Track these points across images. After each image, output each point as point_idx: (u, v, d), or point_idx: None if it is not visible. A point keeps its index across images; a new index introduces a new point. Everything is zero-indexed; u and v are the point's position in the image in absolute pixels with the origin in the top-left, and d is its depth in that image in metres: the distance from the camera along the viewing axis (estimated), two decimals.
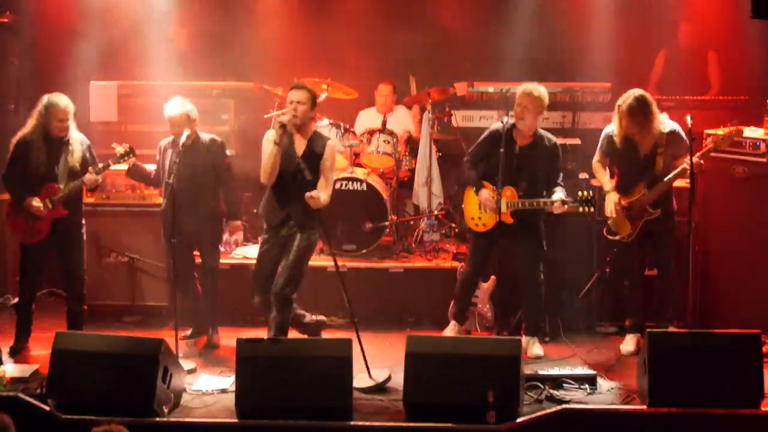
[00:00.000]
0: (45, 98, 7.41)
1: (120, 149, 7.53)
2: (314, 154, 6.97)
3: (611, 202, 7.40)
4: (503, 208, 7.31)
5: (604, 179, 7.56)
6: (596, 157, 7.61)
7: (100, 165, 7.49)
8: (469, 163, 7.60)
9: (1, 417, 4.79)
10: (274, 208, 7.07)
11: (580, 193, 7.29)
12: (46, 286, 8.28)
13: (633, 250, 7.53)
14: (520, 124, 7.37)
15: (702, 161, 7.13)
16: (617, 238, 7.48)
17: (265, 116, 9.27)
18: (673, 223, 7.47)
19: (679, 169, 7.16)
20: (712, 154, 7.33)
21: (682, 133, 7.27)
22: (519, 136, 7.41)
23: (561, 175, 7.48)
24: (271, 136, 6.95)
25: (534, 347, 7.53)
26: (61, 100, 7.40)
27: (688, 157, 6.97)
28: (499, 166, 7.20)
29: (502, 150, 7.18)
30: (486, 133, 7.55)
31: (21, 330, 7.55)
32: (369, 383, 6.85)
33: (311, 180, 6.88)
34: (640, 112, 7.19)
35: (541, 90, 7.35)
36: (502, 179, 7.22)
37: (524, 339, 7.49)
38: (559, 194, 7.28)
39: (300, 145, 7.01)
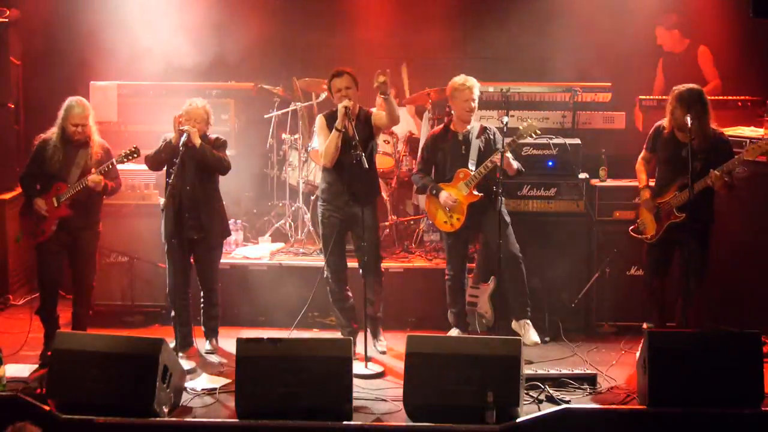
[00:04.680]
0: (66, 101, 7.42)
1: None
2: (363, 122, 7.43)
3: (643, 197, 7.35)
4: (464, 191, 7.52)
5: (641, 176, 7.47)
6: (642, 153, 7.51)
7: (104, 165, 7.44)
8: (420, 173, 7.80)
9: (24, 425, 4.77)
10: (337, 188, 7.44)
11: (521, 126, 7.49)
12: None
13: (659, 253, 7.36)
14: (469, 116, 7.63)
15: (724, 175, 6.96)
16: (642, 237, 7.39)
17: (265, 116, 9.30)
18: (702, 229, 7.12)
19: (708, 177, 6.95)
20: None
21: (729, 146, 7.21)
22: (458, 126, 7.68)
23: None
24: (323, 121, 7.47)
25: (529, 332, 7.50)
26: (77, 106, 7.38)
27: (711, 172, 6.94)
28: (445, 160, 7.65)
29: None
30: (425, 139, 7.94)
31: (48, 340, 7.38)
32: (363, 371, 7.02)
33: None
34: (697, 102, 7.08)
35: (470, 80, 7.63)
36: (452, 169, 7.61)
37: (516, 325, 7.52)
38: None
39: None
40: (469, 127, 7.66)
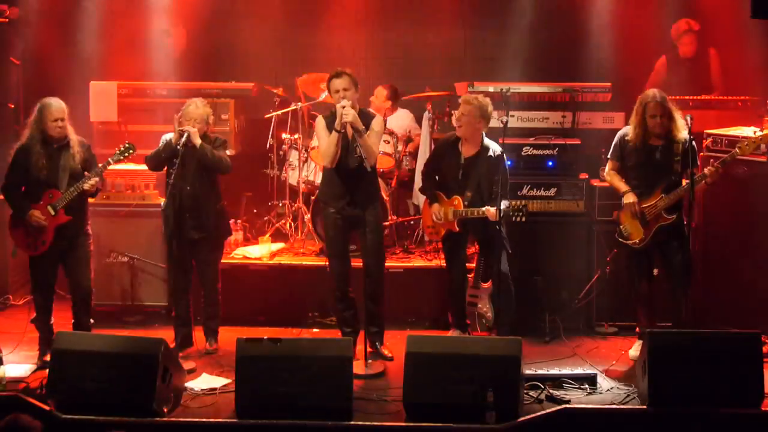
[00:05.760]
0: (38, 103, 7.37)
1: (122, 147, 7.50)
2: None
3: (628, 201, 7.27)
4: (450, 217, 7.55)
5: (620, 183, 7.40)
6: (609, 164, 7.50)
7: (100, 165, 7.42)
8: (425, 174, 7.82)
9: (18, 417, 4.75)
10: (338, 190, 7.35)
11: (513, 202, 7.34)
12: None
13: (644, 257, 7.37)
14: (459, 132, 7.53)
15: (720, 169, 7.05)
16: (629, 242, 7.36)
17: (266, 116, 9.30)
18: (684, 229, 7.18)
19: (698, 176, 7.01)
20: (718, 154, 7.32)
21: (694, 144, 7.25)
22: (465, 146, 7.57)
23: (507, 185, 7.47)
24: (323, 122, 7.33)
25: None
26: (54, 101, 7.33)
27: (705, 168, 7.03)
28: (445, 178, 7.61)
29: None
30: (436, 144, 7.89)
31: (44, 345, 7.36)
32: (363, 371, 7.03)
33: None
34: (663, 109, 7.15)
35: (477, 100, 7.48)
36: (450, 189, 7.57)
37: None
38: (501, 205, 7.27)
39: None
40: (475, 152, 7.52)
